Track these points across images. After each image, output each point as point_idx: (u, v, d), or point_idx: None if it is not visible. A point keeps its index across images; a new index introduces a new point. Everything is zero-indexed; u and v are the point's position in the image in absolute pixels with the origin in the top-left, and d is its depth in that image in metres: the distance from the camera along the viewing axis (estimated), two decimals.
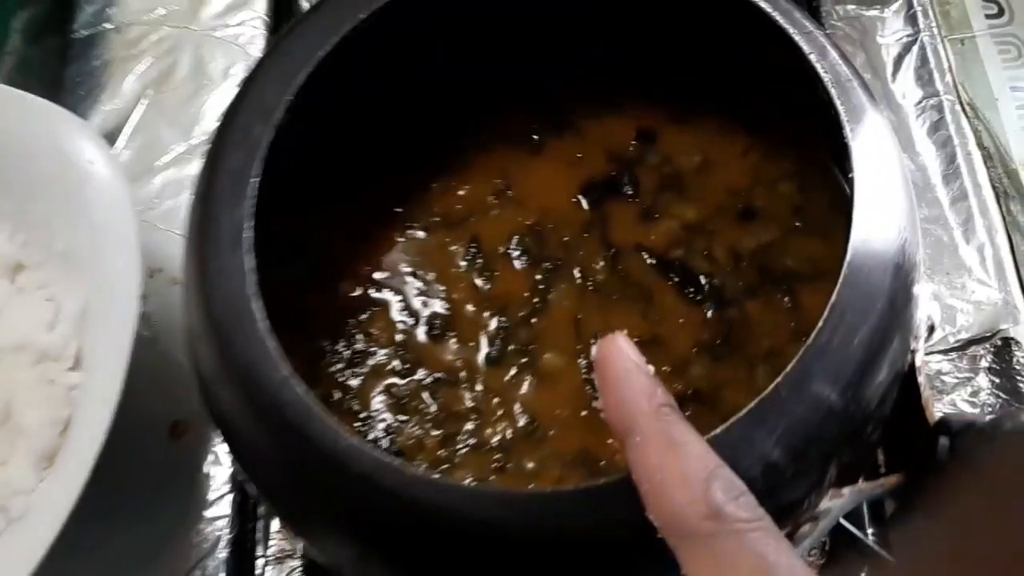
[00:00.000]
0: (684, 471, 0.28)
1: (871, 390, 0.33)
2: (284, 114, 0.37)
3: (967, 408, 0.51)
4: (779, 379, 0.32)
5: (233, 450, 0.37)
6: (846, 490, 0.34)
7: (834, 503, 0.33)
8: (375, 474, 0.32)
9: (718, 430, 0.31)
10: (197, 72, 0.60)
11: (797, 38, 0.38)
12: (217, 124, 0.38)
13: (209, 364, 0.35)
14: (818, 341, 0.32)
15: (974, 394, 0.50)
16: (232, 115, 0.37)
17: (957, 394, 0.51)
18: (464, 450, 0.41)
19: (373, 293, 0.44)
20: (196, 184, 0.37)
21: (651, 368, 0.30)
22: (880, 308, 0.33)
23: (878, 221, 0.35)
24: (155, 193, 0.56)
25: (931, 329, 0.46)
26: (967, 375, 0.51)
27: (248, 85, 0.38)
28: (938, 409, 0.51)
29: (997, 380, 0.50)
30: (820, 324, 0.33)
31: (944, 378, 0.51)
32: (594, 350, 0.30)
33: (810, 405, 0.32)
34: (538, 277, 0.44)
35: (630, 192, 0.46)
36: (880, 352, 0.33)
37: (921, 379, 0.34)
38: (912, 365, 0.35)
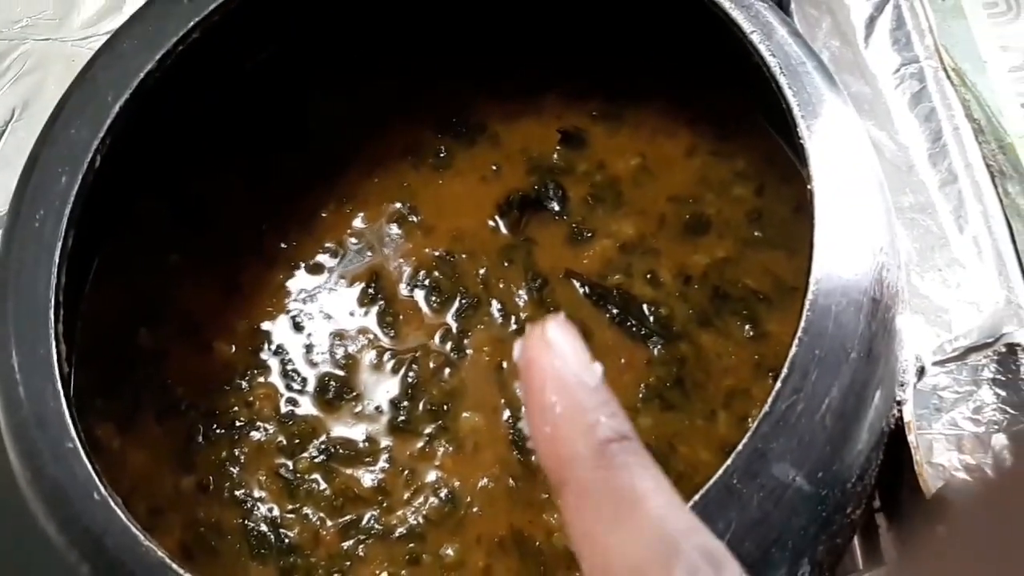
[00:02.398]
0: (638, 551, 0.18)
1: (847, 465, 0.26)
2: (96, 156, 0.29)
3: (970, 427, 0.44)
4: (728, 463, 0.25)
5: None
6: None
7: None
8: None
9: None
10: None
11: (735, 14, 0.31)
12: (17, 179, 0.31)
13: (18, 477, 0.28)
14: (776, 409, 0.25)
15: (977, 410, 0.43)
16: (33, 163, 0.30)
17: (957, 411, 0.43)
18: (369, 540, 0.34)
19: (252, 353, 0.37)
20: None
21: (598, 368, 0.20)
22: (854, 358, 0.26)
23: (847, 244, 0.28)
24: None
25: (920, 372, 0.39)
26: (968, 388, 0.43)
27: (52, 123, 0.30)
28: (936, 431, 0.44)
29: (1003, 393, 0.43)
30: (777, 386, 0.26)
31: (941, 394, 0.44)
32: (516, 350, 0.21)
33: (770, 494, 0.25)
34: (451, 319, 0.37)
35: (556, 208, 0.39)
36: (857, 415, 0.26)
37: (911, 438, 0.27)
38: (900, 420, 0.28)
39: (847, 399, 0.26)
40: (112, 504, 0.26)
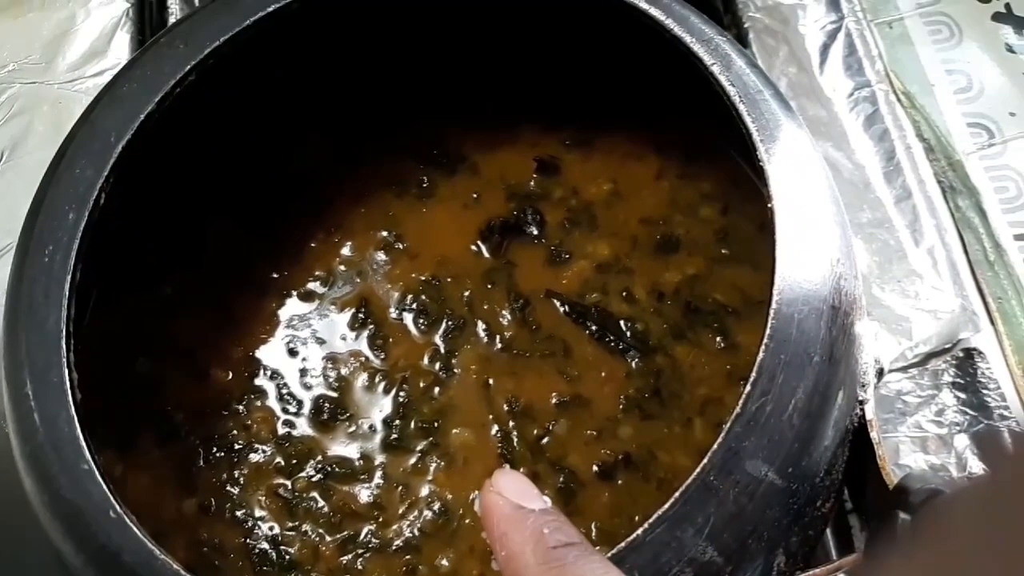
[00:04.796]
0: None
1: (815, 460, 0.28)
2: (101, 194, 0.31)
3: (933, 429, 0.46)
4: (704, 461, 0.27)
5: None
6: None
7: None
8: None
9: (636, 533, 0.26)
10: (57, 133, 0.53)
11: (696, 47, 0.33)
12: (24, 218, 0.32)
13: (33, 500, 0.30)
14: (747, 411, 0.27)
15: (939, 413, 0.46)
16: (40, 202, 0.31)
17: (921, 414, 0.46)
18: (367, 554, 0.35)
19: (248, 378, 0.38)
20: (6, 289, 0.31)
21: (546, 500, 0.25)
22: (817, 361, 0.28)
23: (806, 257, 0.30)
24: None
25: (880, 373, 0.41)
26: (930, 392, 0.46)
27: (57, 163, 0.32)
28: (902, 434, 0.46)
29: (963, 395, 0.45)
30: (747, 389, 0.28)
31: (905, 398, 0.46)
32: (476, 504, 0.25)
33: (744, 490, 0.27)
34: (438, 340, 0.39)
35: (535, 232, 0.41)
36: (823, 414, 0.28)
37: (874, 435, 0.29)
38: (863, 418, 0.30)
39: (812, 399, 0.28)
40: (128, 522, 0.27)
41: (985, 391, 0.45)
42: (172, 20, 0.56)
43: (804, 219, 0.30)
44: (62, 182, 0.31)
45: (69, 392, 0.29)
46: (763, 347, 0.28)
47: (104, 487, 0.28)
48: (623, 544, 0.26)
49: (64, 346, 0.29)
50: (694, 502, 0.26)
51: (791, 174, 0.31)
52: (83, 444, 0.28)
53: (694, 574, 0.26)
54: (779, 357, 0.28)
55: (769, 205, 0.30)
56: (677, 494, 0.27)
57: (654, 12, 0.33)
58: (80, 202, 0.31)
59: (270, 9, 0.33)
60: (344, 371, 0.38)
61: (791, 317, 0.29)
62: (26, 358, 0.29)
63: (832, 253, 0.30)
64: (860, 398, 0.30)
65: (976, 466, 0.44)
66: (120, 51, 0.55)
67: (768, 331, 0.28)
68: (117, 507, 0.28)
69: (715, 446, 0.27)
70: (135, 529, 0.27)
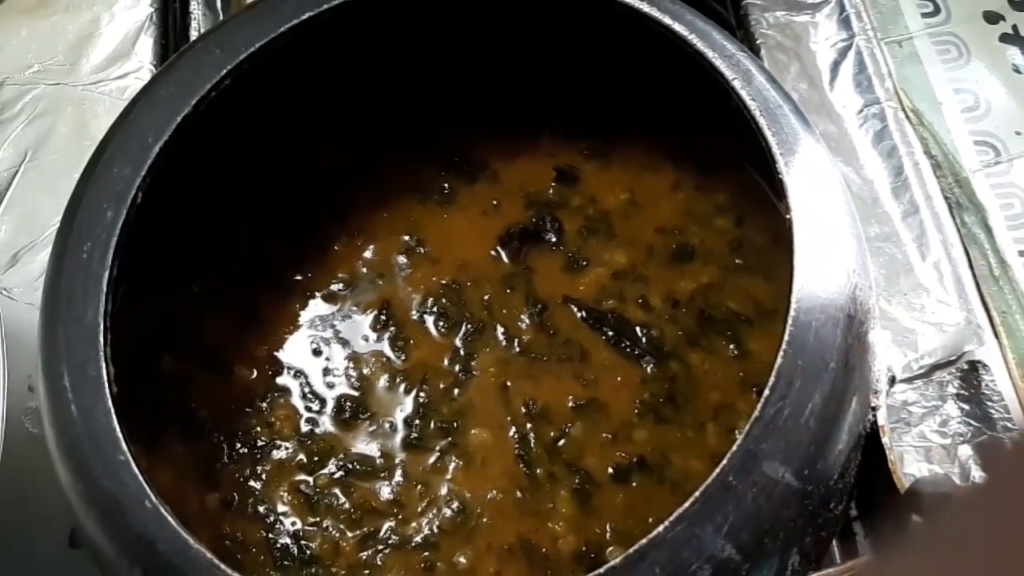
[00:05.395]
0: None
1: (830, 463, 0.29)
2: (138, 193, 0.32)
3: (937, 439, 0.47)
4: (724, 463, 0.28)
5: None
6: None
7: None
8: None
9: (657, 530, 0.27)
10: (79, 132, 0.54)
11: (718, 63, 0.34)
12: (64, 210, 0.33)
13: (69, 491, 0.30)
14: (765, 414, 0.28)
15: (943, 423, 0.47)
16: (79, 200, 0.32)
17: (925, 425, 0.47)
18: (387, 550, 0.36)
19: (272, 377, 0.39)
20: (44, 284, 0.32)
21: None
22: (833, 367, 0.29)
23: (823, 267, 0.31)
24: (38, 272, 0.50)
25: (892, 380, 0.42)
26: (935, 403, 0.47)
27: (95, 162, 0.33)
28: (907, 444, 0.47)
29: (966, 407, 0.46)
30: (766, 393, 0.29)
31: (910, 408, 0.47)
32: None
33: (762, 490, 0.28)
34: (458, 343, 0.40)
35: (553, 239, 0.42)
36: (838, 419, 0.29)
37: (886, 440, 0.30)
38: (875, 424, 0.31)
39: (828, 404, 0.29)
40: (163, 512, 0.28)
41: (989, 403, 0.46)
42: (195, 25, 0.57)
43: (822, 230, 0.31)
44: (100, 180, 0.32)
45: (106, 385, 0.30)
46: (781, 353, 0.29)
47: (140, 478, 0.29)
48: (645, 541, 0.27)
49: (102, 340, 0.30)
50: (714, 501, 0.27)
51: (809, 186, 0.32)
52: (119, 436, 0.29)
53: (713, 571, 0.27)
54: (797, 363, 0.29)
55: (788, 216, 0.31)
56: (697, 493, 0.27)
57: (677, 27, 0.34)
58: (118, 200, 0.32)
59: (304, 17, 0.34)
60: (366, 371, 0.39)
61: (808, 325, 0.30)
62: (64, 351, 0.30)
63: (848, 264, 0.31)
64: (873, 404, 0.31)
65: (979, 476, 0.45)
66: (144, 54, 0.56)
67: (786, 337, 0.29)
68: (152, 498, 0.28)
69: (734, 447, 0.28)
70: (170, 519, 0.28)
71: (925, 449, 0.47)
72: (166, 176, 0.33)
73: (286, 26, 0.34)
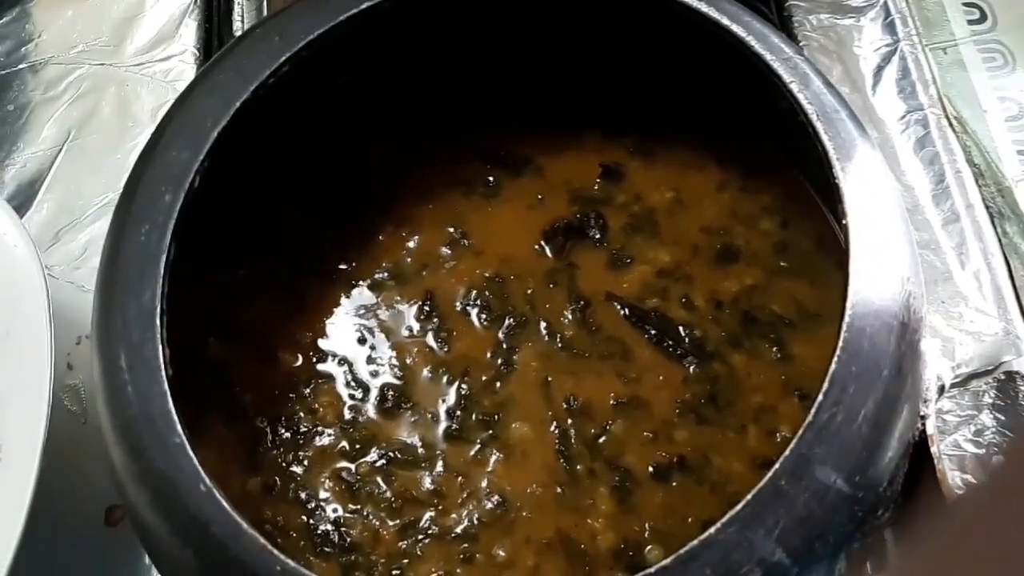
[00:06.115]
0: None
1: (881, 470, 0.29)
2: (196, 176, 0.32)
3: (971, 448, 0.47)
4: (776, 466, 0.28)
5: (155, 564, 0.32)
6: None
7: None
8: None
9: (709, 532, 0.27)
10: (122, 113, 0.55)
11: (776, 66, 0.34)
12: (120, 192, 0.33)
13: (122, 471, 0.31)
14: (818, 419, 0.28)
15: (978, 433, 0.47)
16: (137, 181, 0.32)
17: (960, 434, 0.47)
18: (426, 540, 0.36)
19: (316, 363, 0.39)
20: (100, 265, 0.33)
21: None
22: (887, 375, 0.29)
23: (878, 274, 0.31)
24: (79, 251, 0.51)
25: (941, 389, 0.42)
26: (970, 413, 0.47)
27: (154, 145, 0.33)
28: (940, 452, 0.47)
29: (1002, 417, 0.46)
30: (819, 399, 0.29)
31: (945, 417, 0.47)
32: None
33: (814, 495, 0.28)
34: (501, 336, 0.40)
35: (597, 236, 0.42)
36: (889, 426, 0.29)
37: (934, 449, 0.30)
38: (924, 432, 0.31)
39: (881, 411, 0.29)
40: (217, 495, 0.28)
41: None
42: (238, 10, 0.57)
43: (877, 237, 0.31)
44: (159, 163, 0.32)
45: (162, 368, 0.30)
46: (836, 358, 0.29)
47: (195, 461, 0.29)
48: (696, 542, 0.27)
49: (159, 322, 0.30)
50: (766, 504, 0.28)
51: (865, 193, 0.32)
52: (175, 419, 0.29)
53: (763, 574, 0.27)
54: (851, 369, 0.29)
55: (844, 222, 0.31)
56: (750, 496, 0.28)
57: (736, 28, 0.34)
58: (176, 183, 0.32)
59: (363, 6, 0.35)
60: (409, 361, 0.39)
61: (863, 331, 0.30)
62: (121, 332, 0.30)
63: (903, 271, 0.31)
64: (922, 413, 0.31)
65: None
66: (187, 38, 0.57)
67: (841, 343, 0.29)
68: (207, 481, 0.29)
69: (787, 452, 0.28)
70: (224, 503, 0.28)
71: (959, 458, 0.47)
72: (222, 161, 0.33)
73: (345, 15, 0.35)
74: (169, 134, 0.33)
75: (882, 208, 0.32)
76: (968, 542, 0.18)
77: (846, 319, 0.30)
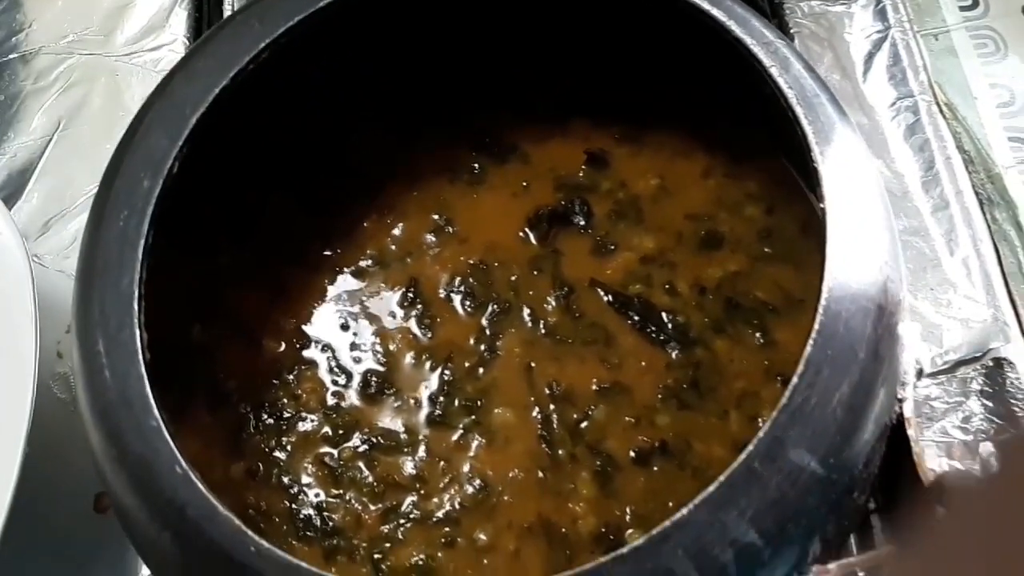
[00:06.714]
0: None
1: (856, 452, 0.29)
2: (175, 162, 0.32)
3: (959, 435, 0.47)
4: (750, 448, 0.28)
5: (135, 547, 0.32)
6: (832, 566, 0.29)
7: None
8: None
9: (682, 513, 0.27)
10: (112, 103, 0.55)
11: (756, 50, 0.34)
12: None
13: (100, 455, 0.31)
14: (793, 402, 0.28)
15: (966, 420, 0.46)
16: (116, 168, 0.33)
17: (948, 420, 0.47)
18: (408, 524, 0.36)
19: (299, 350, 0.39)
20: (80, 251, 0.33)
21: None
22: (862, 358, 0.29)
23: (855, 258, 0.31)
24: (69, 240, 0.51)
25: (919, 373, 0.42)
26: (957, 399, 0.47)
27: (133, 132, 0.33)
28: (928, 439, 0.47)
29: (990, 404, 0.46)
30: (794, 381, 0.29)
31: (933, 403, 0.47)
32: None
33: (787, 477, 0.28)
34: (484, 322, 0.40)
35: (582, 223, 0.42)
36: (865, 409, 0.29)
37: (911, 432, 0.30)
38: (900, 415, 0.31)
39: (856, 394, 0.29)
40: (193, 477, 0.28)
41: (1013, 401, 0.46)
42: (228, 0, 0.57)
43: (855, 221, 0.31)
44: (138, 150, 0.33)
45: (140, 351, 0.30)
46: (811, 341, 0.29)
47: (171, 444, 0.29)
48: (668, 523, 0.27)
49: (136, 307, 0.30)
50: (739, 486, 0.28)
51: (844, 176, 0.32)
52: (152, 402, 0.29)
53: (735, 554, 0.27)
54: (826, 352, 0.29)
55: (821, 205, 0.31)
56: (723, 477, 0.28)
57: (716, 13, 0.34)
58: (155, 169, 0.32)
59: None
60: (392, 347, 0.39)
61: (839, 314, 0.30)
62: (99, 317, 0.31)
63: (881, 255, 0.31)
64: (900, 396, 0.31)
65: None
66: (178, 27, 0.57)
67: (816, 327, 0.29)
68: (183, 463, 0.29)
69: (761, 434, 0.28)
70: (199, 485, 0.29)
71: (947, 445, 0.47)
72: (202, 148, 0.33)
73: (326, 1, 0.34)
74: (148, 121, 0.33)
75: (861, 192, 0.32)
76: (964, 540, 0.19)
77: (822, 302, 0.30)
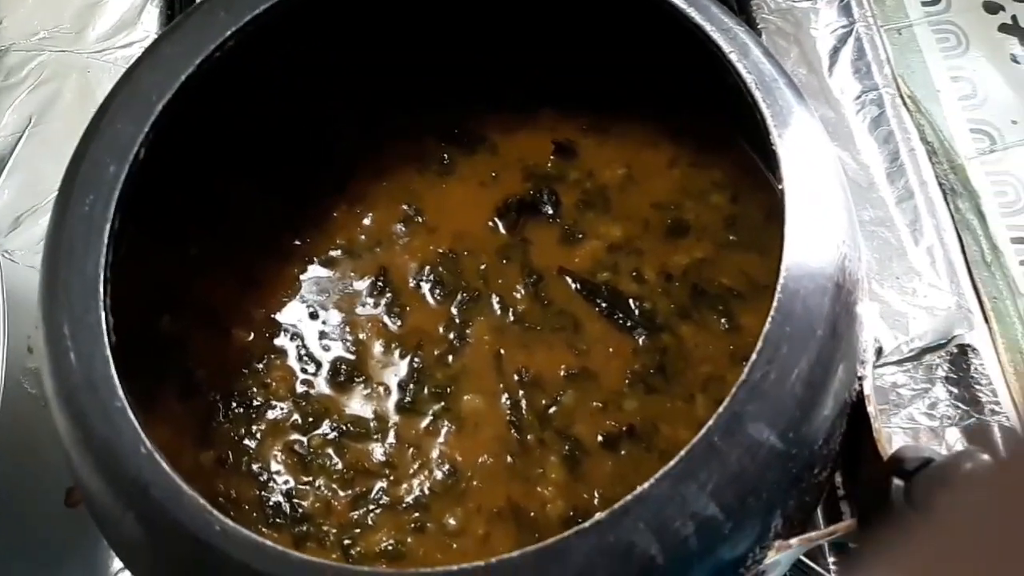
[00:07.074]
0: None
1: (815, 428, 0.30)
2: (141, 148, 0.32)
3: (925, 421, 0.48)
4: (710, 423, 0.28)
5: (102, 532, 0.32)
6: (794, 540, 0.30)
7: (782, 555, 0.30)
8: (256, 561, 0.28)
9: (643, 487, 0.28)
10: (84, 100, 0.55)
11: (715, 36, 0.34)
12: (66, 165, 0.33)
13: (66, 439, 0.31)
14: (751, 378, 0.29)
15: (932, 406, 0.47)
16: (81, 155, 0.33)
17: (914, 407, 0.47)
18: (378, 510, 0.37)
19: (269, 339, 0.40)
20: (46, 236, 0.33)
21: None
22: (820, 335, 0.30)
23: (813, 237, 0.31)
24: (40, 236, 0.51)
25: (879, 352, 0.42)
26: (923, 386, 0.47)
27: (99, 119, 0.33)
28: (895, 425, 0.48)
29: (955, 390, 0.47)
30: (753, 358, 0.29)
31: (900, 391, 0.48)
32: None
33: (747, 451, 0.28)
34: (454, 310, 0.40)
35: (550, 212, 0.42)
36: (823, 385, 0.30)
37: (871, 409, 0.31)
38: (860, 393, 0.31)
39: (814, 370, 0.29)
40: (157, 457, 0.29)
41: (977, 387, 0.47)
42: None
43: (813, 201, 0.32)
44: (103, 137, 0.33)
45: (105, 334, 0.30)
46: (769, 319, 0.29)
47: (135, 424, 0.29)
48: (629, 497, 0.28)
49: (102, 290, 0.30)
50: (698, 460, 0.28)
51: (802, 158, 0.32)
52: (116, 383, 0.30)
53: (696, 528, 0.27)
54: (784, 329, 0.29)
55: (780, 187, 0.32)
56: (683, 452, 0.28)
57: (677, 1, 0.35)
58: (121, 155, 0.32)
59: None
60: (362, 336, 0.40)
61: (797, 292, 0.30)
62: (65, 300, 0.31)
63: (838, 235, 0.32)
64: (859, 374, 0.32)
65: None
66: (149, 24, 0.57)
67: (775, 304, 0.30)
68: (147, 444, 0.29)
69: (720, 409, 0.28)
70: (164, 466, 0.29)
71: (913, 431, 0.48)
72: (168, 135, 0.34)
73: None
74: (114, 109, 0.33)
75: (819, 173, 0.33)
76: (961, 540, 0.19)
77: (780, 281, 0.30)
